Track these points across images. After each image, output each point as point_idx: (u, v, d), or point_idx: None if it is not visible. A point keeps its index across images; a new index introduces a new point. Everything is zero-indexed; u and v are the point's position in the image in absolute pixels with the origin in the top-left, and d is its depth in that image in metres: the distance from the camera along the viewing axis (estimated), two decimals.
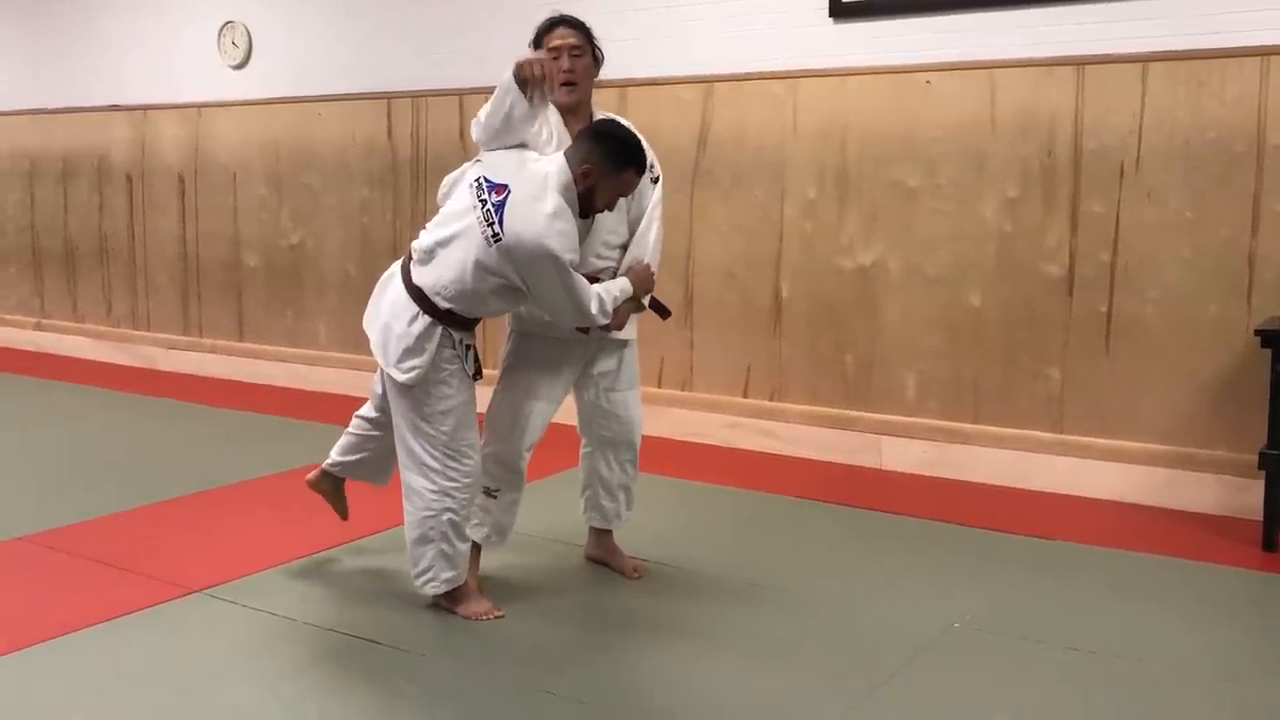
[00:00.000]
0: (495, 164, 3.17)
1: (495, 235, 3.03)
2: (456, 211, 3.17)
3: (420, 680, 2.96)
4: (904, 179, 4.95)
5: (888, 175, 4.99)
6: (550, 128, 3.45)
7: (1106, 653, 3.14)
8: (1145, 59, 4.44)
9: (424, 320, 3.14)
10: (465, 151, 6.13)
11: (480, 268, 3.08)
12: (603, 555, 3.77)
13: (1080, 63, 4.56)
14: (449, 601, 3.34)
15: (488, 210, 3.06)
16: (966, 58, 4.78)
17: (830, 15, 5.05)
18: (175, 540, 4.01)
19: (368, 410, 3.59)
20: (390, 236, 6.38)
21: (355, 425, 3.65)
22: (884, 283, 5.04)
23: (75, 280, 8.02)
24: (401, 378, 3.15)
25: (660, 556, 3.85)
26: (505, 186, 3.07)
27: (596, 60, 3.53)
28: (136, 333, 7.69)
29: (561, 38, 3.46)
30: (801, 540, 4.12)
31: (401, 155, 6.38)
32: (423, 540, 3.26)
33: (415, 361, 3.14)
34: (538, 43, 3.50)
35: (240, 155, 7.04)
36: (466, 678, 2.98)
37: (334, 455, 3.69)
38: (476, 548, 3.52)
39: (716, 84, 5.37)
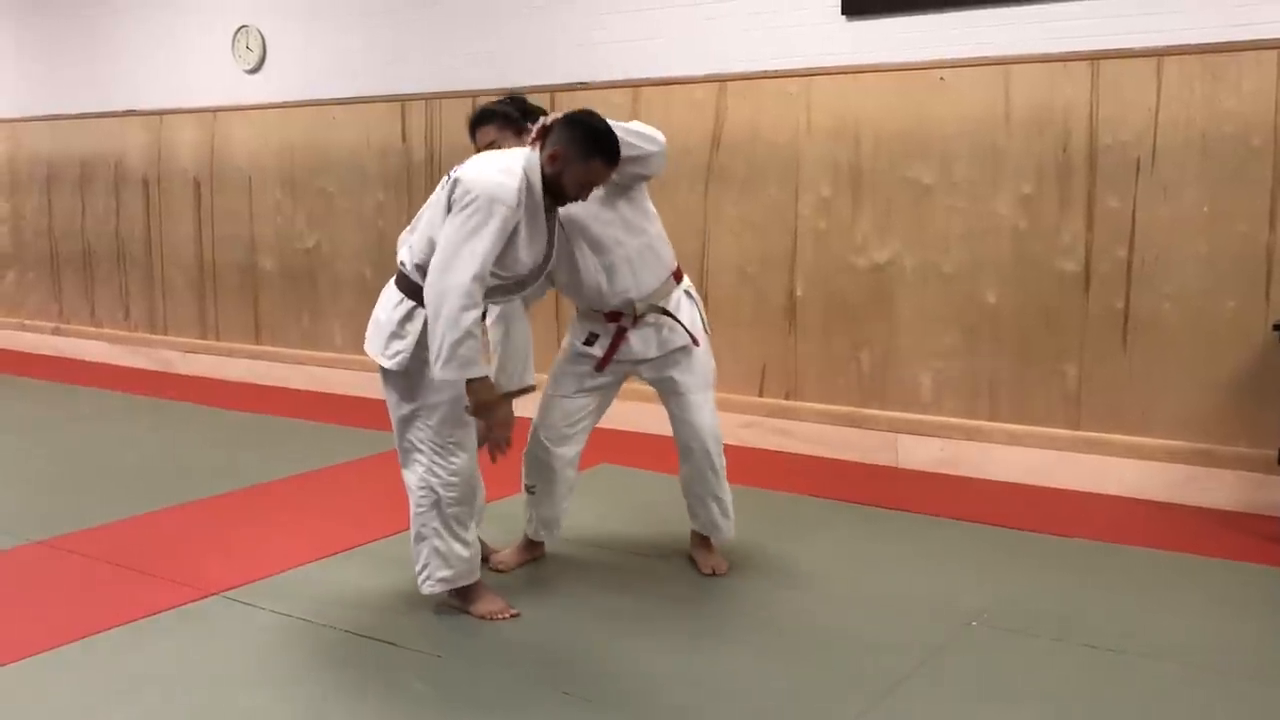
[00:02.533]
0: None
1: (450, 179, 3.10)
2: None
3: (436, 681, 2.96)
4: (918, 176, 4.94)
5: (902, 172, 4.98)
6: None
7: (1125, 650, 3.12)
8: (1160, 53, 4.42)
9: (406, 305, 3.18)
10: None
11: (435, 218, 3.11)
12: (691, 549, 3.83)
13: (1095, 58, 4.54)
14: (463, 601, 3.35)
15: (453, 171, 3.15)
16: (980, 53, 4.76)
17: (843, 12, 5.04)
18: (193, 543, 4.02)
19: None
20: None
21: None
22: (899, 280, 5.03)
23: (93, 285, 8.06)
24: (387, 363, 3.20)
25: (676, 556, 3.85)
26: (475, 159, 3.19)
27: (521, 129, 3.49)
28: (154, 336, 7.73)
29: (480, 138, 3.53)
30: (818, 539, 4.12)
31: (416, 158, 6.40)
32: (418, 538, 3.30)
33: (399, 346, 3.18)
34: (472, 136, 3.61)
35: (256, 159, 7.07)
36: (482, 678, 2.98)
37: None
38: (529, 543, 3.77)
39: (730, 83, 5.37)
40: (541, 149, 3.13)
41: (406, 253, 3.24)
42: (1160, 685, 2.93)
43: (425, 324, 3.12)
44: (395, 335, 3.19)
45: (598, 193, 3.32)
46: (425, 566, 3.30)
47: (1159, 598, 3.53)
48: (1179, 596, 3.54)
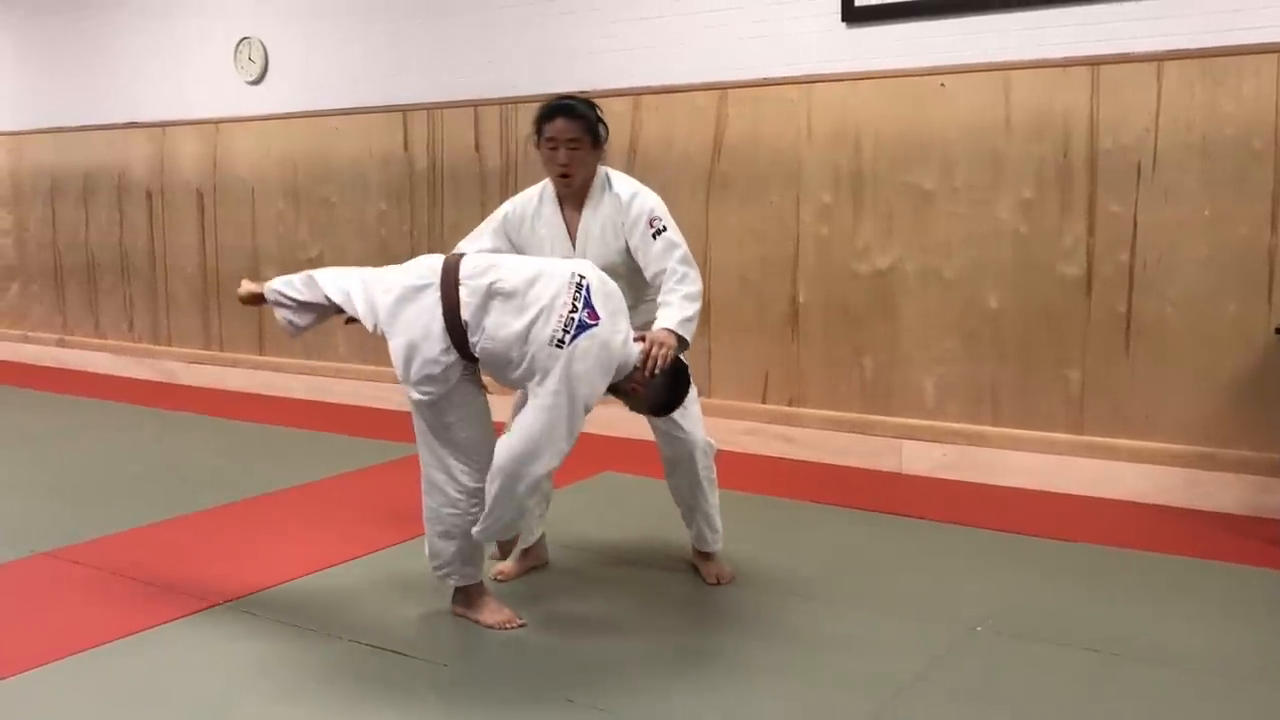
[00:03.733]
0: (606, 288, 3.14)
1: (559, 342, 3.01)
2: (541, 285, 3.08)
3: (443, 690, 2.96)
4: (919, 182, 4.95)
5: (903, 178, 4.99)
6: (545, 222, 3.50)
7: (1130, 655, 3.12)
8: (1160, 58, 4.43)
9: (455, 356, 3.11)
10: (481, 163, 6.16)
11: (523, 350, 3.04)
12: (693, 558, 3.81)
13: (1094, 63, 4.55)
14: (472, 611, 3.36)
15: (572, 320, 3.02)
16: (980, 59, 4.77)
17: (843, 20, 5.05)
18: (199, 553, 4.03)
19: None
20: (407, 248, 6.41)
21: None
22: (901, 286, 5.04)
23: (97, 296, 8.08)
24: (416, 396, 3.15)
25: (679, 564, 3.85)
26: (599, 319, 3.04)
27: (598, 141, 3.46)
28: (158, 347, 7.74)
29: (558, 131, 3.40)
30: (822, 545, 4.12)
31: (418, 167, 6.42)
32: (446, 536, 3.28)
33: (434, 389, 3.13)
34: (537, 133, 3.46)
35: (258, 170, 7.09)
36: (489, 687, 2.98)
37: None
38: (523, 551, 3.74)
39: (731, 90, 5.38)
40: (643, 367, 3.13)
41: (473, 314, 3.08)
42: (1164, 690, 2.93)
43: (463, 369, 3.14)
44: (435, 379, 3.12)
45: (614, 246, 3.44)
46: (451, 563, 3.31)
47: (1162, 602, 3.53)
48: (1182, 601, 3.54)
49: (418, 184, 6.44)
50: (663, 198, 3.51)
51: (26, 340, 8.56)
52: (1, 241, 8.68)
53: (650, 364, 3.13)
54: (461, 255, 3.25)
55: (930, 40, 4.88)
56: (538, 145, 3.46)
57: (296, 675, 3.05)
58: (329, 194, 6.80)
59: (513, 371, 3.10)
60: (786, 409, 5.38)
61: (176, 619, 3.40)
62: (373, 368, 6.57)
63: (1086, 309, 4.66)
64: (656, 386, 3.19)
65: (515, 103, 6.00)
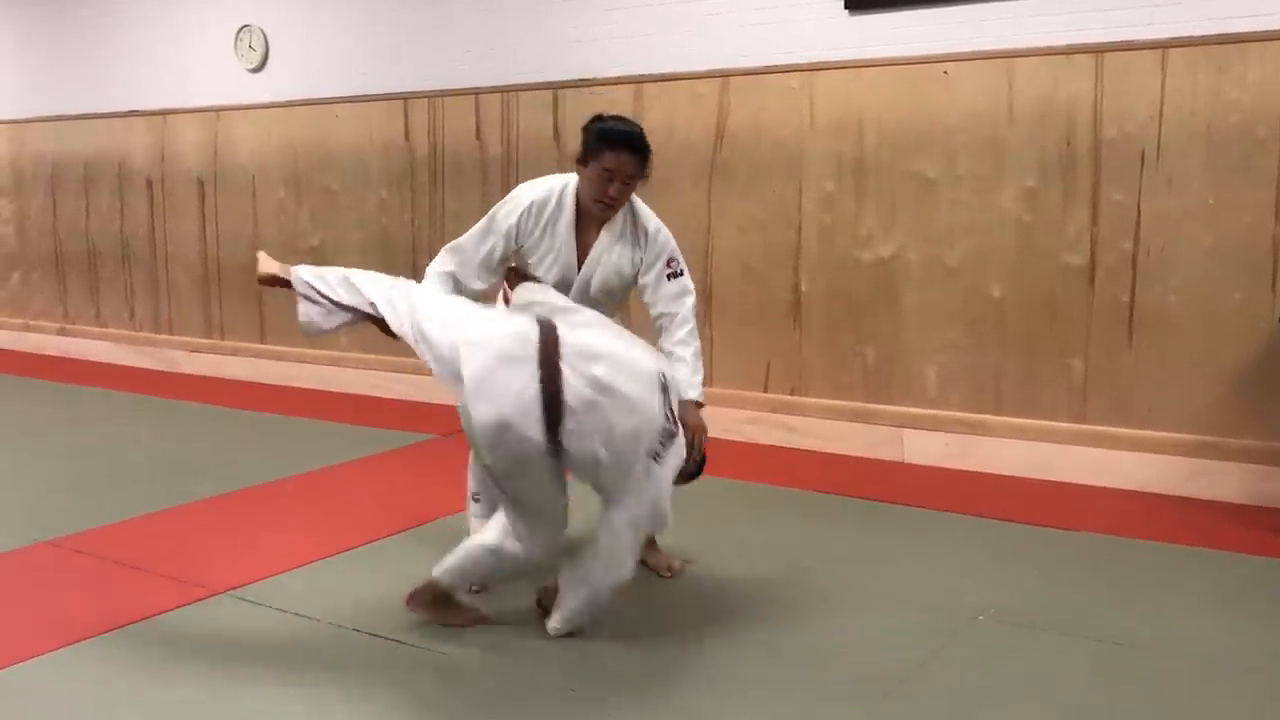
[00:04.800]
0: (673, 384, 3.18)
1: (656, 455, 3.02)
2: (638, 386, 2.99)
3: (443, 679, 2.96)
4: (922, 170, 4.93)
5: (906, 166, 4.97)
6: (558, 234, 3.39)
7: (1133, 644, 3.12)
8: (1165, 45, 4.41)
9: (544, 436, 2.91)
10: (482, 150, 6.14)
11: (618, 458, 2.97)
12: (643, 554, 3.77)
13: (1099, 50, 4.53)
14: (436, 611, 3.28)
15: (667, 432, 3.04)
16: (983, 47, 4.75)
17: (846, 7, 5.03)
18: (200, 542, 4.03)
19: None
20: (409, 236, 6.40)
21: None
22: (904, 275, 5.02)
23: (98, 285, 8.07)
24: (488, 462, 3.02)
25: (680, 553, 3.84)
26: (676, 425, 3.10)
27: (646, 177, 3.36)
28: (159, 336, 7.74)
29: (621, 165, 3.23)
30: (823, 535, 4.11)
31: (419, 155, 6.40)
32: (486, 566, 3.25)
33: (513, 462, 2.98)
34: (590, 153, 3.27)
35: (259, 158, 7.07)
36: (489, 676, 2.98)
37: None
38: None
39: (733, 78, 5.36)
40: (683, 427, 3.17)
41: (582, 404, 2.90)
42: (1166, 679, 2.93)
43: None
44: (515, 455, 2.93)
45: (625, 273, 3.42)
46: (481, 578, 3.32)
47: (1165, 591, 3.52)
48: (1185, 590, 3.53)
49: (419, 172, 6.42)
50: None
51: (28, 329, 8.56)
52: (2, 230, 8.67)
53: (695, 453, 3.23)
54: (555, 326, 2.99)
55: (933, 27, 4.85)
56: (583, 163, 3.29)
57: (295, 664, 3.05)
58: (330, 182, 6.78)
59: (601, 475, 3.01)
60: (788, 398, 5.37)
61: (179, 607, 3.40)
62: (373, 356, 6.56)
63: (1089, 298, 4.65)
64: (691, 466, 3.25)
65: (516, 90, 5.98)
